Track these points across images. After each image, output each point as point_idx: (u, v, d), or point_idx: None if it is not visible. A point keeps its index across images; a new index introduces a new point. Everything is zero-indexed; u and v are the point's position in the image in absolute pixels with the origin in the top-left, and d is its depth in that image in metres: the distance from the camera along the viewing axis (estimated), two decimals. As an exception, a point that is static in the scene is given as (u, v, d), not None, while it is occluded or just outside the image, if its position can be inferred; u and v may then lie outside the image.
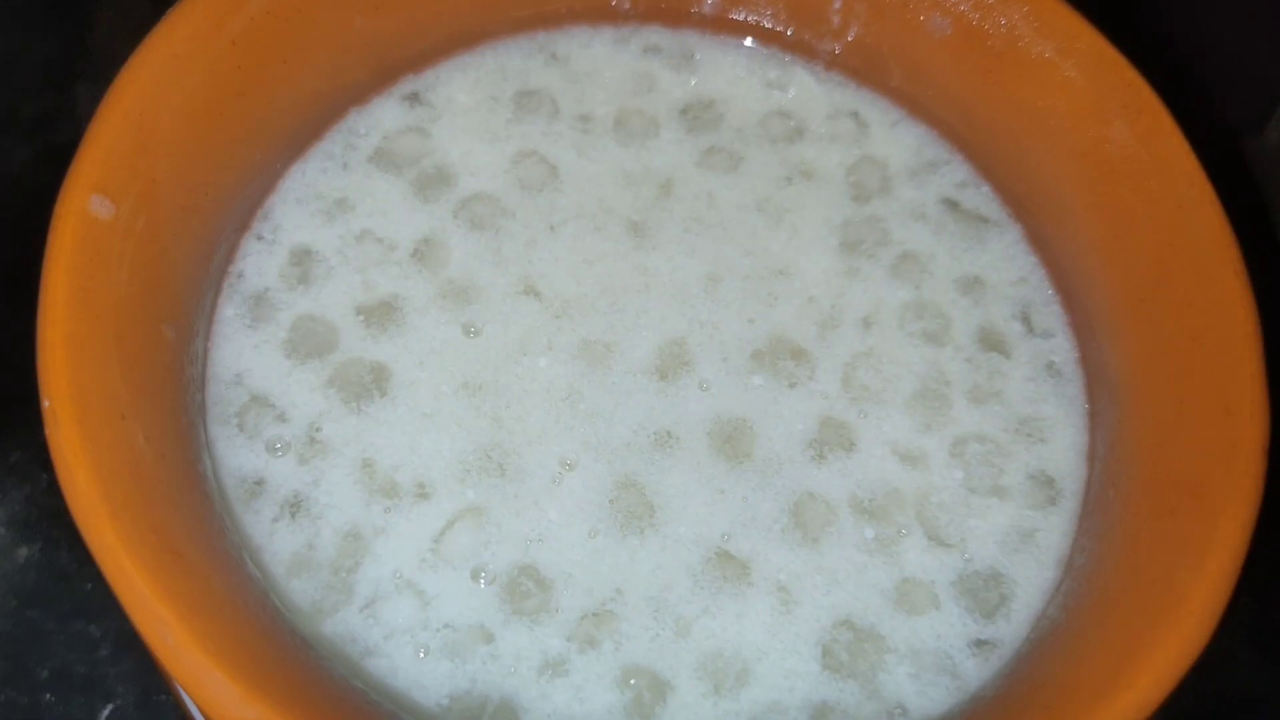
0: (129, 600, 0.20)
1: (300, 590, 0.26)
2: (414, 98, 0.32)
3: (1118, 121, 0.29)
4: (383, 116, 0.32)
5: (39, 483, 0.36)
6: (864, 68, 0.33)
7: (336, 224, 0.30)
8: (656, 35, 0.34)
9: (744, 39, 0.33)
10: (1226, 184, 0.28)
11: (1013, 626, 0.27)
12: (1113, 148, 0.29)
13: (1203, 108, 0.31)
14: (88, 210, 0.24)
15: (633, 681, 0.25)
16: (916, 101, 0.33)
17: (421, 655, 0.25)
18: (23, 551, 0.35)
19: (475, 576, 0.26)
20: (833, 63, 0.33)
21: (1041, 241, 0.31)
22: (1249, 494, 0.24)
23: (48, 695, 0.33)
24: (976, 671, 0.26)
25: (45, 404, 0.22)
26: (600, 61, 0.33)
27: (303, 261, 0.29)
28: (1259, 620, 0.38)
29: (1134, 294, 0.28)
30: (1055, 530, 0.28)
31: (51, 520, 0.35)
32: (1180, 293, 0.27)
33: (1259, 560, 0.39)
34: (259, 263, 0.29)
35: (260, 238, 0.29)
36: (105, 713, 0.33)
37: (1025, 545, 0.28)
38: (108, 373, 0.23)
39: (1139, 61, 0.29)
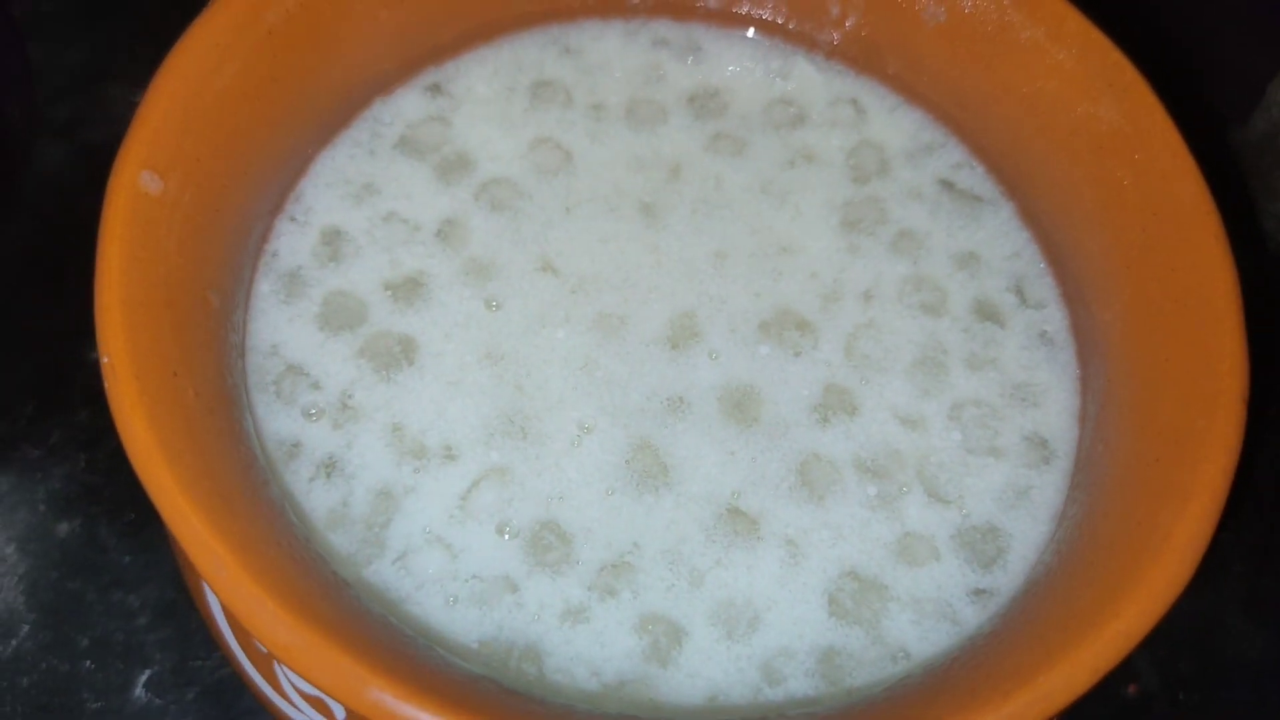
0: (186, 538, 0.22)
1: (337, 543, 0.27)
2: (435, 88, 0.34)
3: (1104, 100, 0.30)
4: (406, 106, 0.33)
5: (77, 462, 0.38)
6: (862, 56, 0.35)
7: (364, 206, 0.32)
8: (664, 28, 0.35)
9: (747, 31, 0.35)
10: (1214, 172, 0.29)
11: (1009, 576, 0.28)
12: (1100, 125, 0.30)
13: (1191, 99, 0.33)
14: (138, 185, 0.25)
15: (650, 628, 0.27)
16: (913, 88, 0.35)
17: (451, 602, 0.27)
18: (63, 527, 0.37)
19: (500, 531, 0.28)
20: (832, 52, 0.35)
21: (1033, 217, 0.33)
22: (1229, 440, 0.25)
23: (88, 663, 0.35)
24: (975, 617, 0.28)
25: (104, 360, 0.23)
26: (611, 54, 0.35)
27: (333, 241, 0.31)
28: (1251, 587, 0.39)
29: (1121, 261, 0.29)
30: (1049, 487, 0.30)
31: (90, 497, 0.37)
32: (1164, 258, 0.28)
33: (1250, 530, 0.40)
34: (292, 242, 0.31)
35: (293, 219, 0.31)
36: (143, 678, 0.35)
37: (1020, 501, 0.29)
38: (160, 334, 0.24)
39: (1129, 51, 0.31)
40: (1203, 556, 0.24)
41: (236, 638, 0.26)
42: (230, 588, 0.21)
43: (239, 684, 0.35)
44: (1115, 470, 0.27)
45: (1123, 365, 0.29)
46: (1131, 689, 0.37)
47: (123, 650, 0.35)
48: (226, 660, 0.28)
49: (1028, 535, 0.29)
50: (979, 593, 0.28)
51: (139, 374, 0.23)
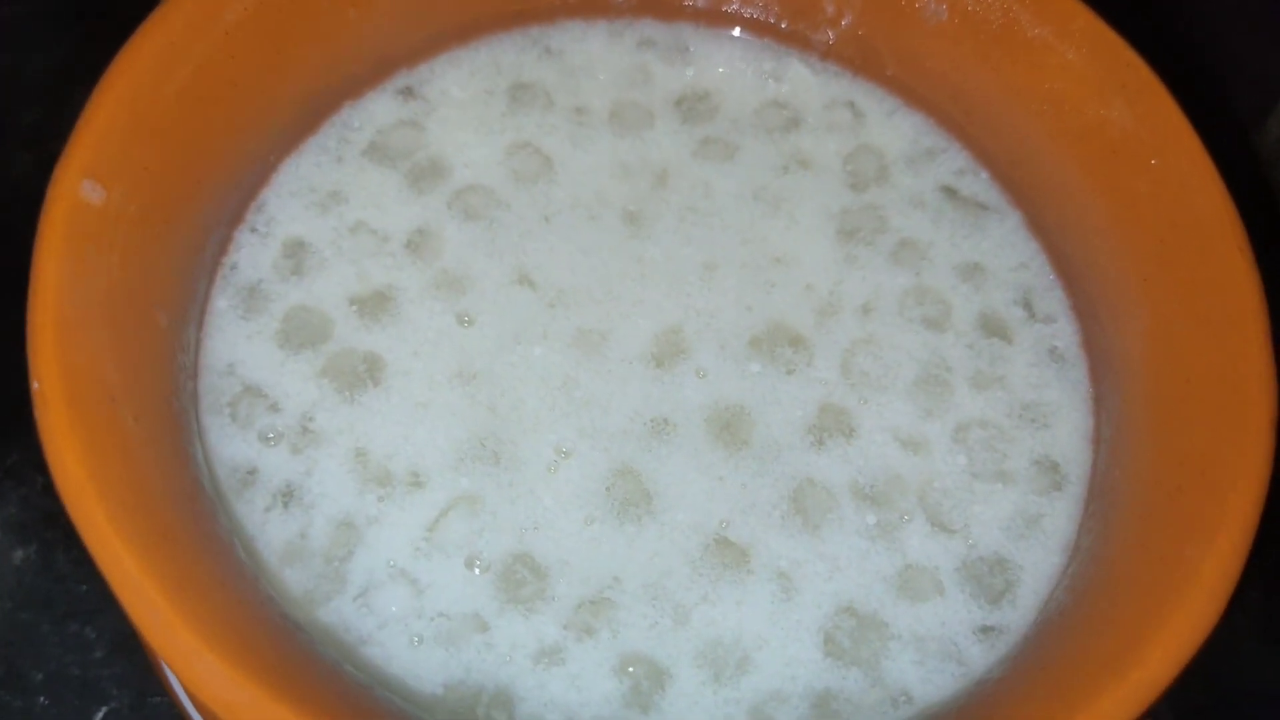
0: (117, 580, 0.20)
1: (293, 579, 0.25)
2: (408, 92, 0.32)
3: (1117, 102, 0.28)
4: (376, 110, 0.31)
5: (34, 485, 0.36)
6: (859, 57, 0.33)
7: (330, 216, 0.30)
8: (650, 28, 0.33)
9: (737, 31, 0.33)
10: (1234, 176, 0.27)
11: (1019, 612, 0.26)
12: (1113, 129, 0.28)
13: (1209, 101, 0.31)
14: (79, 195, 0.23)
15: (631, 670, 0.25)
16: (913, 90, 0.33)
17: (416, 643, 0.25)
18: (18, 554, 0.35)
19: (470, 564, 0.26)
20: (827, 53, 0.33)
21: (1042, 227, 0.31)
22: (1258, 469, 0.23)
23: (41, 699, 0.33)
24: (983, 657, 0.26)
25: (34, 386, 0.21)
26: (594, 55, 0.33)
27: (296, 253, 0.29)
28: (1267, 613, 0.37)
29: (1137, 274, 0.28)
30: (1061, 515, 0.28)
31: (47, 523, 0.35)
32: (1184, 272, 0.26)
33: (1267, 554, 0.38)
34: (252, 255, 0.29)
35: (254, 230, 0.29)
36: (99, 715, 0.33)
37: (1031, 531, 0.27)
38: (98, 356, 0.22)
39: (1145, 54, 0.29)
40: (1231, 594, 0.22)
41: (188, 695, 0.24)
42: (165, 637, 0.19)
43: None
44: (1133, 499, 0.25)
45: (1140, 386, 0.27)
46: (1146, 724, 0.35)
47: (79, 685, 0.33)
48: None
49: (1039, 567, 0.27)
50: (987, 630, 0.26)
51: (71, 401, 0.21)
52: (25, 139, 0.42)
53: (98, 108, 0.25)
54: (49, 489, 0.35)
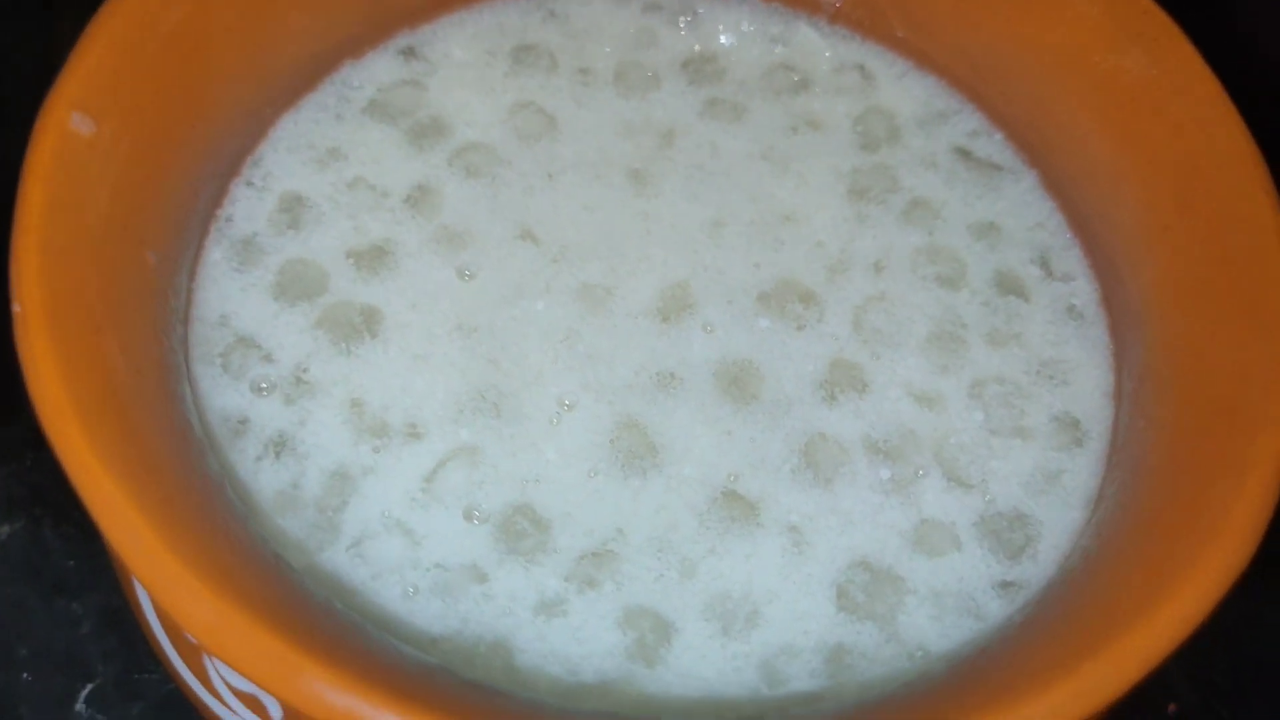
0: (97, 503, 0.19)
1: (285, 528, 0.24)
2: (409, 52, 0.31)
3: (1134, 50, 0.28)
4: (377, 69, 0.31)
5: (23, 461, 0.35)
6: (867, 20, 0.32)
7: (328, 172, 0.29)
8: (657, -8, 0.33)
9: (746, -6, 0.33)
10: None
11: (1039, 567, 0.25)
12: (1130, 77, 0.28)
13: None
14: (68, 126, 0.23)
15: (636, 622, 0.24)
16: (923, 52, 0.32)
17: (411, 593, 0.24)
18: (5, 529, 0.34)
19: (468, 516, 0.25)
20: (835, 16, 0.33)
21: (1059, 186, 0.30)
22: (1288, 406, 0.22)
23: (25, 675, 0.32)
24: (1002, 611, 0.25)
25: (15, 309, 0.21)
26: (600, 18, 0.32)
27: (293, 208, 0.29)
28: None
29: (1157, 223, 0.27)
30: (1082, 471, 0.27)
31: (35, 498, 0.34)
32: (1206, 216, 0.26)
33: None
34: (248, 208, 0.28)
35: (250, 184, 0.29)
36: (85, 692, 0.32)
37: (1051, 486, 0.26)
38: (83, 285, 0.22)
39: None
40: (1262, 536, 0.21)
41: (164, 627, 0.23)
42: (145, 559, 0.18)
43: (186, 700, 0.32)
44: (1159, 447, 0.24)
45: (1162, 334, 0.26)
46: (1171, 708, 0.34)
47: (64, 661, 0.32)
48: (172, 681, 0.25)
49: (1059, 523, 0.26)
50: (1006, 585, 0.25)
51: (54, 324, 0.20)
52: (24, 121, 0.42)
53: (90, 43, 0.24)
54: (38, 465, 0.35)
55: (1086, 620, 0.21)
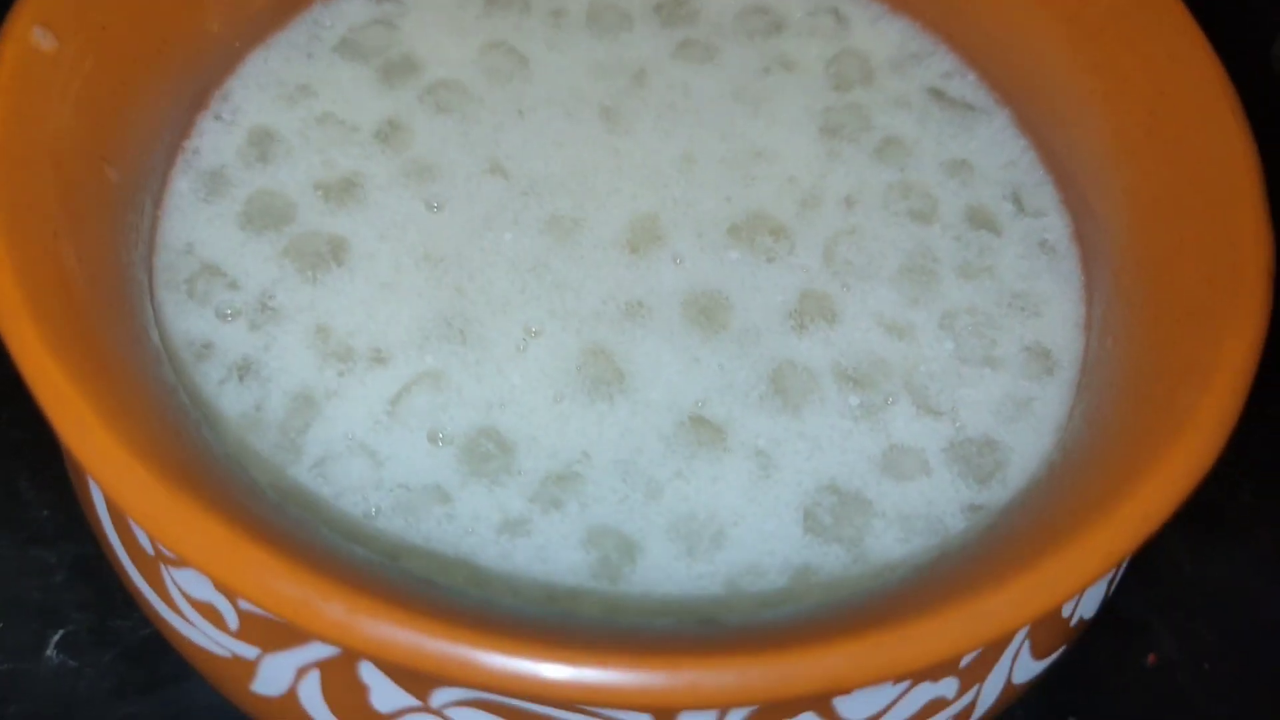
0: (47, 397, 0.19)
1: (246, 446, 0.24)
2: (382, -7, 0.31)
3: (1103, -19, 0.28)
4: (349, 9, 0.31)
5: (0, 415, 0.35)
6: (842, -37, 0.32)
7: (298, 108, 0.29)
8: (631, -63, 0.33)
9: (720, -61, 0.33)
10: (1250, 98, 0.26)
11: (1009, 491, 0.25)
12: (1099, 8, 0.28)
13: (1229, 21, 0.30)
14: (30, 39, 0.23)
15: (600, 541, 0.24)
16: (897, -5, 0.32)
17: (373, 513, 0.24)
18: (-22, 480, 0.34)
19: (432, 439, 0.25)
20: (811, -40, 0.33)
21: (1030, 124, 0.30)
22: (1255, 314, 0.22)
23: (-2, 621, 0.31)
24: (970, 531, 0.24)
25: (-31, 211, 0.20)
26: (574, -37, 0.32)
27: (261, 142, 0.28)
28: (1276, 552, 0.36)
29: (1126, 147, 0.27)
30: (1053, 400, 0.26)
31: (10, 451, 0.34)
32: (1174, 137, 0.26)
33: (1274, 495, 0.37)
34: (216, 141, 0.28)
35: (219, 118, 0.29)
36: (56, 638, 0.31)
37: (1021, 414, 0.26)
38: (42, 192, 0.22)
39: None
40: (1227, 439, 0.21)
41: (123, 543, 0.22)
42: (95, 452, 0.18)
43: (162, 646, 0.31)
44: (1125, 362, 0.24)
45: (1132, 258, 0.26)
46: (1151, 659, 0.33)
47: (37, 609, 0.32)
48: (134, 600, 0.24)
49: (1029, 449, 0.26)
50: (975, 509, 0.25)
51: (11, 227, 0.20)
52: None
53: (54, -38, 0.24)
54: (14, 419, 0.35)
55: (1048, 523, 0.21)
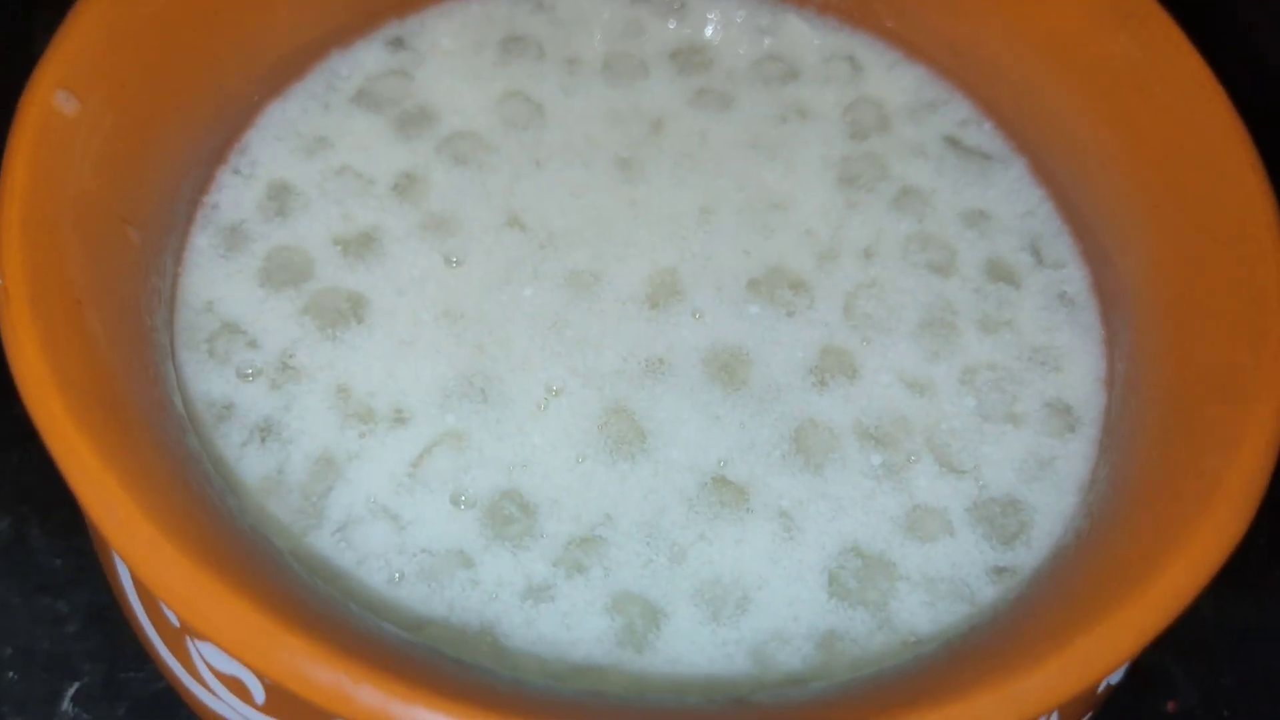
0: (75, 473, 0.19)
1: (269, 513, 0.24)
2: (398, 42, 0.31)
3: (1121, 34, 0.28)
4: (365, 59, 0.31)
5: (10, 459, 0.35)
6: (856, 11, 0.32)
7: (316, 160, 0.29)
8: (645, -16, 0.33)
9: (734, -14, 0.33)
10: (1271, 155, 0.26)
11: (1034, 553, 0.25)
12: (1117, 62, 0.28)
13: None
14: (52, 104, 0.23)
15: (625, 608, 0.24)
16: (912, 43, 0.32)
17: (397, 579, 0.23)
18: (-10, 527, 0.33)
19: (455, 501, 0.25)
20: (824, 7, 0.33)
21: (1048, 173, 0.30)
22: (1281, 380, 0.22)
23: (11, 674, 0.31)
24: (998, 599, 0.24)
25: (-3, 282, 0.20)
26: (587, 10, 0.32)
27: (280, 196, 0.28)
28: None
29: (1146, 202, 0.27)
30: (1075, 456, 0.26)
31: (21, 497, 0.34)
32: (1195, 193, 0.26)
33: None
34: (235, 195, 0.28)
35: (237, 171, 0.28)
36: (71, 691, 0.31)
37: (1044, 472, 0.26)
38: (64, 258, 0.21)
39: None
40: (1254, 515, 0.21)
41: (146, 610, 0.22)
42: (123, 529, 0.18)
43: (173, 699, 0.31)
44: (1150, 424, 0.24)
45: (1153, 314, 0.26)
46: (1170, 706, 0.33)
47: (49, 660, 0.31)
48: (152, 660, 0.24)
49: (1053, 509, 0.26)
50: (1000, 571, 0.25)
51: (35, 296, 0.20)
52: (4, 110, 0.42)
53: (74, 23, 0.24)
54: (24, 463, 0.35)
55: (1080, 596, 0.20)
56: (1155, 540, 0.20)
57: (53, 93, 0.23)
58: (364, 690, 0.17)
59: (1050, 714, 0.22)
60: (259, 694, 0.21)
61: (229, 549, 0.19)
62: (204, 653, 0.21)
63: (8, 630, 0.32)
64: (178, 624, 0.21)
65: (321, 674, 0.17)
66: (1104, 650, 0.19)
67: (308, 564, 0.23)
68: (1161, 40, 0.27)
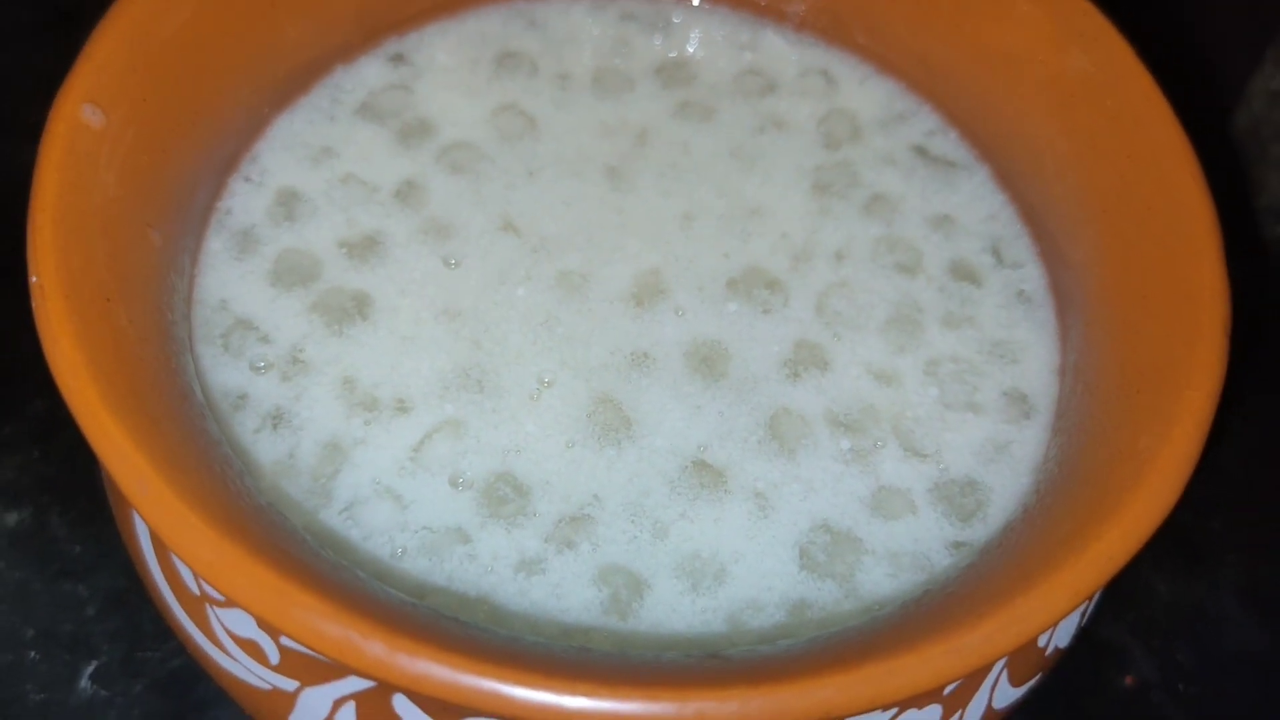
0: (108, 453, 0.20)
1: (281, 492, 0.26)
2: (398, 58, 0.33)
3: (1074, 49, 0.30)
4: (367, 74, 0.33)
5: (30, 454, 0.37)
6: (831, 27, 0.34)
7: (322, 169, 0.31)
8: (632, 3, 0.35)
9: (716, 5, 0.35)
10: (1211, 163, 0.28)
11: (989, 528, 0.27)
12: (1071, 75, 0.30)
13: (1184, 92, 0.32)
14: (80, 117, 0.25)
15: (611, 579, 0.25)
16: (883, 57, 0.34)
17: (399, 554, 0.25)
18: (12, 517, 0.35)
19: (453, 483, 0.26)
20: (801, 24, 0.35)
21: (1009, 180, 0.32)
22: (1212, 367, 0.24)
23: (33, 653, 0.33)
24: (951, 566, 0.26)
25: (33, 280, 0.22)
26: (578, 27, 0.34)
27: (288, 202, 0.30)
28: (1247, 578, 0.38)
29: (1097, 207, 0.29)
30: (1030, 441, 0.28)
31: (42, 487, 0.36)
32: (1141, 199, 0.28)
33: (1246, 521, 0.39)
34: (246, 202, 0.30)
35: (248, 179, 0.30)
36: (89, 669, 0.33)
37: (1000, 456, 0.28)
38: (94, 259, 0.23)
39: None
40: (1186, 484, 0.23)
41: (169, 582, 0.24)
42: (151, 501, 0.20)
43: (190, 676, 0.33)
44: (1094, 410, 0.26)
45: (1102, 310, 0.28)
46: (1129, 680, 0.35)
47: (69, 641, 0.33)
48: (174, 634, 0.26)
49: (1008, 488, 0.28)
50: (958, 545, 0.27)
51: (69, 293, 0.22)
52: (31, 135, 0.43)
53: (99, 42, 0.26)
54: (45, 457, 0.37)
55: (1023, 563, 0.22)
56: (1092, 512, 0.22)
57: (80, 107, 0.25)
58: (372, 644, 0.19)
59: (999, 670, 0.24)
60: (273, 655, 0.23)
61: (248, 522, 0.21)
62: (223, 618, 0.23)
63: (30, 613, 0.34)
64: (197, 592, 0.23)
65: (333, 629, 0.19)
66: (1041, 607, 0.21)
67: (317, 539, 0.25)
68: (1112, 57, 0.29)
